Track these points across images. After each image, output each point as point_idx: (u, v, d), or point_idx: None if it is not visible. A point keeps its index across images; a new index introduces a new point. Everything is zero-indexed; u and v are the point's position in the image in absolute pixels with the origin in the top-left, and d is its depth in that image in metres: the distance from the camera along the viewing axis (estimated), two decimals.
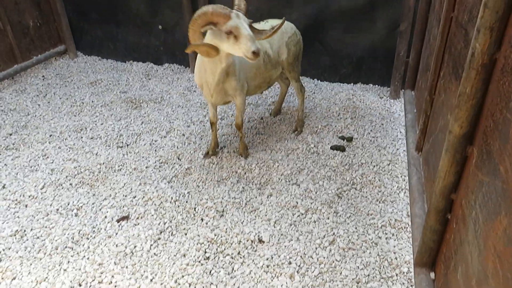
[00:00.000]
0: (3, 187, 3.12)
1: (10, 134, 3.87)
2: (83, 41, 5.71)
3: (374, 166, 3.38)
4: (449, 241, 1.82)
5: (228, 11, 2.54)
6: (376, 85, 4.72)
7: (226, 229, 2.72)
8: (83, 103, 4.47)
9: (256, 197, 3.02)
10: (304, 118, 4.04)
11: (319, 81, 4.86)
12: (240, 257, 2.52)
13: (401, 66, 4.30)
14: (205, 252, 2.55)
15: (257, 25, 3.28)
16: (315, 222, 2.79)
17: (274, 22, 3.37)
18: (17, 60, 5.00)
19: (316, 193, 3.06)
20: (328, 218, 2.81)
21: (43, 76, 5.15)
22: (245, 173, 3.30)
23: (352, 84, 4.78)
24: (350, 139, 3.75)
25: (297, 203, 2.94)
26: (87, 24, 5.55)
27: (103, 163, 3.40)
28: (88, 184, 3.17)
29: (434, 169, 2.34)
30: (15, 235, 2.67)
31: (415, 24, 3.97)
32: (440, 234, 1.93)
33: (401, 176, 3.23)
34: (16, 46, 4.94)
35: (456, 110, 1.61)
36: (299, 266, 2.45)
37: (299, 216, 2.84)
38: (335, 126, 3.95)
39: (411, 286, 2.32)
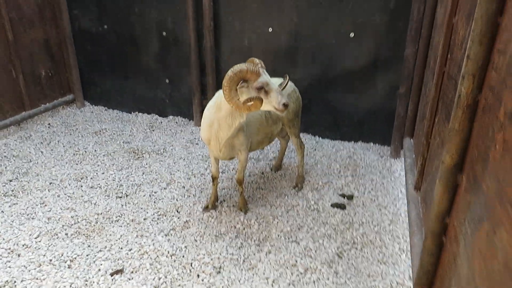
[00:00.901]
0: None
1: (10, 181, 3.87)
2: (91, 92, 5.88)
3: (375, 226, 3.33)
4: (444, 262, 1.95)
5: (258, 68, 2.66)
6: (377, 144, 4.77)
7: (223, 287, 2.63)
8: (85, 151, 4.51)
9: (254, 254, 2.95)
10: (305, 175, 4.05)
11: (320, 138, 4.93)
12: None
13: (402, 127, 4.38)
14: None
15: None
16: (314, 282, 2.70)
17: (276, 80, 3.49)
18: (25, 107, 5.12)
19: (316, 251, 2.99)
20: (328, 279, 2.72)
21: (49, 124, 5.24)
22: (244, 229, 3.25)
23: (353, 142, 4.84)
24: (350, 197, 3.73)
25: (296, 261, 2.87)
26: (97, 76, 5.74)
27: (101, 213, 3.36)
28: (84, 234, 3.11)
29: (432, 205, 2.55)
30: (4, 286, 2.58)
31: (413, 80, 4.16)
32: (437, 257, 2.05)
33: (402, 237, 3.17)
34: (26, 94, 5.08)
35: (447, 144, 1.84)
36: None
37: (298, 275, 2.75)
38: (336, 183, 3.95)
39: None
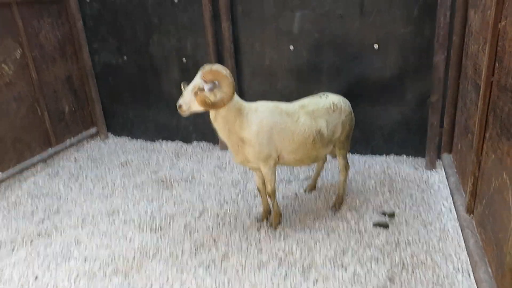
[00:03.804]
0: (36, 278, 3.00)
1: (43, 220, 3.82)
2: (114, 123, 5.88)
3: (423, 245, 3.16)
4: None
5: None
6: (410, 156, 4.61)
7: None
8: (114, 184, 4.47)
9: (301, 284, 2.80)
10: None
11: (350, 154, 4.79)
12: None
13: (435, 136, 4.23)
14: None
15: (315, 99, 3.40)
16: None
17: (334, 97, 3.46)
18: (51, 144, 5.13)
19: (365, 277, 2.83)
20: None
21: (75, 158, 5.24)
22: (286, 256, 3.11)
23: (384, 156, 4.69)
24: (392, 215, 3.57)
25: None
26: (119, 107, 5.74)
27: (138, 248, 3.27)
28: (122, 272, 3.02)
29: (494, 232, 2.34)
30: None
31: (447, 90, 4.00)
32: None
33: (455, 255, 3.00)
34: (51, 131, 5.10)
35: None
36: None
37: None
38: (374, 201, 3.80)
39: None
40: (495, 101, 2.48)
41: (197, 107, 2.89)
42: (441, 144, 4.23)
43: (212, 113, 3.03)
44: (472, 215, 3.01)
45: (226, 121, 3.00)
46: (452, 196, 3.53)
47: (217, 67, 2.85)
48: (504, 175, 2.18)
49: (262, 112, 3.11)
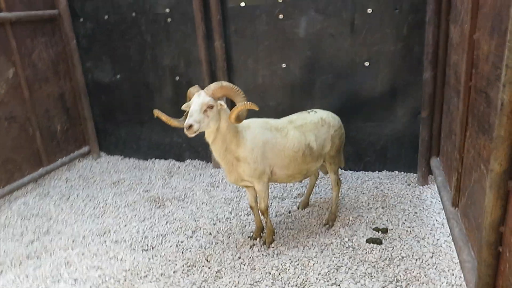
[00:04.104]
0: None
1: (32, 241, 3.76)
2: (106, 142, 5.86)
3: (416, 260, 3.14)
4: (504, 272, 1.96)
5: (189, 93, 3.02)
6: (402, 172, 4.63)
7: None
8: (106, 204, 4.42)
9: None
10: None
11: (343, 170, 4.80)
12: None
13: (426, 152, 4.26)
14: None
15: (303, 115, 3.47)
16: None
17: (322, 112, 3.52)
18: (43, 163, 5.09)
19: None
20: None
21: (66, 178, 5.19)
22: (279, 274, 3.08)
23: (377, 172, 4.70)
24: (385, 231, 3.56)
25: None
26: (111, 126, 5.73)
27: (129, 269, 3.22)
28: None
29: (475, 218, 2.59)
30: None
31: (435, 101, 4.09)
32: (495, 269, 2.08)
33: (448, 270, 2.98)
34: (43, 150, 5.06)
35: (494, 151, 1.92)
36: None
37: None
38: (367, 217, 3.79)
39: None
40: (473, 103, 2.72)
41: (206, 126, 2.88)
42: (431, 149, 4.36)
43: (211, 135, 3.02)
44: (457, 208, 3.22)
45: (224, 141, 3.02)
46: (439, 193, 3.74)
47: (227, 83, 2.93)
48: (482, 166, 2.44)
49: (254, 129, 3.16)
